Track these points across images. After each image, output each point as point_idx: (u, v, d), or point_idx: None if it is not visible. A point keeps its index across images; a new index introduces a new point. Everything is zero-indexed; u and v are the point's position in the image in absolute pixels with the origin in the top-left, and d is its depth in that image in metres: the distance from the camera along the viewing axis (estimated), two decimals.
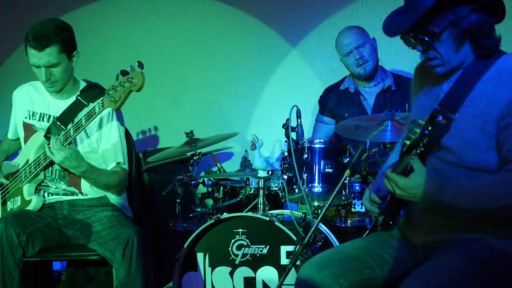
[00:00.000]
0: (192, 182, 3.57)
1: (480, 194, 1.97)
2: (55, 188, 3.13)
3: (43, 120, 3.15)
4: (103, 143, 3.09)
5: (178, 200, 3.48)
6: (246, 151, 4.00)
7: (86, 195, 3.13)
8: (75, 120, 2.94)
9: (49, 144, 2.95)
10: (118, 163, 3.10)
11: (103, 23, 4.91)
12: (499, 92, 1.99)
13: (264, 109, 4.60)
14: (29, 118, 3.18)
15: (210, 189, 3.79)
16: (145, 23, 4.82)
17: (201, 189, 3.81)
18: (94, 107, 2.83)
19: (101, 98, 2.82)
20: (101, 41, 4.92)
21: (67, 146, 2.89)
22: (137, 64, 2.69)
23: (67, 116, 3.03)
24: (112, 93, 2.75)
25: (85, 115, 2.86)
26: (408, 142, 1.83)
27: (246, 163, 3.71)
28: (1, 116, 4.88)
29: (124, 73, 2.75)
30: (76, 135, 2.91)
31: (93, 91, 3.07)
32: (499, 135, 1.99)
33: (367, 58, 3.78)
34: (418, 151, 1.85)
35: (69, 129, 2.90)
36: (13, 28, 4.90)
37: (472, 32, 2.01)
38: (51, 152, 2.90)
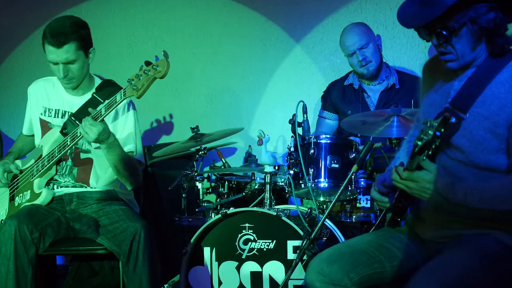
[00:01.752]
0: (198, 177, 3.58)
1: (491, 195, 1.98)
2: (64, 182, 3.15)
3: (58, 117, 3.17)
4: (118, 134, 3.09)
5: (183, 195, 3.49)
6: (249, 146, 4.02)
7: (94, 188, 3.15)
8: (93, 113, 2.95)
9: (63, 137, 2.98)
10: (130, 152, 3.10)
11: (107, 18, 4.90)
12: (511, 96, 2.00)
13: (267, 104, 4.60)
14: (45, 115, 3.19)
15: (213, 184, 3.80)
16: (149, 18, 4.81)
17: (206, 184, 3.82)
18: (116, 96, 2.86)
19: (123, 88, 2.84)
20: (105, 36, 4.90)
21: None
22: (162, 53, 2.79)
23: (83, 113, 3.02)
24: (135, 82, 2.80)
25: (105, 105, 2.88)
26: (420, 143, 1.83)
27: (251, 158, 3.72)
28: (0, 111, 4.89)
29: (148, 63, 2.82)
30: None
31: (109, 89, 3.08)
32: (509, 139, 2.00)
33: (370, 58, 3.77)
34: (430, 152, 1.86)
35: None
36: (15, 25, 4.89)
37: (490, 30, 2.01)
38: (85, 132, 2.86)
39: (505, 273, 2.02)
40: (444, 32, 2.02)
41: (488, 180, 2.04)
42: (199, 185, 3.61)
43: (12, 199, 3.18)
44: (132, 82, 2.81)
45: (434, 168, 1.94)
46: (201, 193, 3.63)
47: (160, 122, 4.77)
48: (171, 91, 4.78)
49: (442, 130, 1.78)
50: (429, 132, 1.79)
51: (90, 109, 2.91)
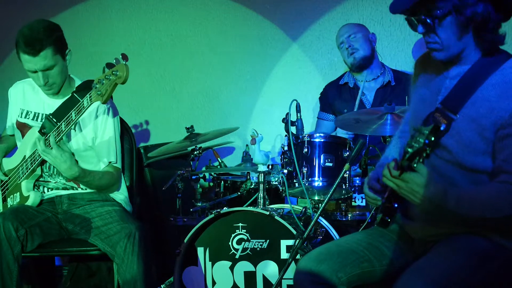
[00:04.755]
0: (193, 177, 3.57)
1: (481, 203, 1.95)
2: (54, 183, 3.13)
3: (37, 120, 3.13)
4: (98, 139, 3.08)
5: (179, 195, 3.48)
6: (247, 145, 4.00)
7: (85, 189, 3.13)
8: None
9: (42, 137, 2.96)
10: (110, 162, 3.09)
11: (104, 19, 4.90)
12: (502, 101, 1.97)
13: (265, 103, 4.60)
14: (22, 117, 3.15)
15: (211, 183, 3.79)
16: (146, 18, 4.82)
17: (202, 184, 3.81)
18: (83, 101, 2.83)
19: (89, 92, 2.81)
20: (102, 37, 4.92)
21: (58, 144, 2.88)
22: (121, 56, 2.67)
23: (62, 112, 2.98)
24: (99, 87, 2.74)
25: (74, 109, 2.85)
26: (411, 150, 1.80)
27: (246, 158, 3.71)
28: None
29: (109, 65, 2.73)
30: (68, 130, 2.89)
31: (88, 88, 3.02)
32: (496, 143, 1.97)
33: (357, 47, 3.81)
34: (421, 160, 1.82)
35: (61, 124, 2.89)
36: (15, 24, 4.88)
37: (476, 23, 1.97)
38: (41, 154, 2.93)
39: (494, 271, 2.00)
40: (428, 20, 1.98)
41: (477, 186, 2.01)
42: (194, 185, 3.60)
43: (4, 200, 3.17)
44: (97, 87, 2.75)
45: (426, 172, 1.88)
46: (197, 193, 3.63)
47: (157, 122, 4.77)
48: (168, 90, 4.78)
49: (433, 138, 1.75)
50: (420, 140, 1.77)
51: (44, 132, 2.94)
